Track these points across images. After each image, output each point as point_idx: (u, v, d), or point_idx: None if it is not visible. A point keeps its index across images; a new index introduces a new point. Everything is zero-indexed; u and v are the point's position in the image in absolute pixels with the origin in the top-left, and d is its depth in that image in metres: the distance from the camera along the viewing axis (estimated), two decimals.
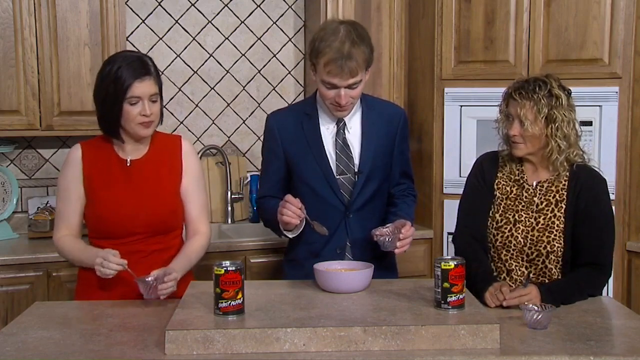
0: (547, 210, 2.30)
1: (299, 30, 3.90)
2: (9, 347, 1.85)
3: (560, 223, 2.28)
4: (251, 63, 3.85)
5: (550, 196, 2.31)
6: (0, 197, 3.37)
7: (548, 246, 2.28)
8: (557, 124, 2.25)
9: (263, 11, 3.84)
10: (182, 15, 3.71)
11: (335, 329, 1.81)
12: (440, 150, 3.50)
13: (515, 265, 2.32)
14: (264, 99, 3.87)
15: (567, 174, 2.31)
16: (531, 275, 2.31)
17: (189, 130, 3.76)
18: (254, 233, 3.47)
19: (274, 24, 3.86)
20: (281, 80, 3.90)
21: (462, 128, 3.43)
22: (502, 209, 2.36)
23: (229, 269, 1.90)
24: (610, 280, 3.24)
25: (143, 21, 3.66)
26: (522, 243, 2.30)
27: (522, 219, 2.32)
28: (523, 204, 2.34)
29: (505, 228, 2.33)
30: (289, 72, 3.91)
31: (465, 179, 2.51)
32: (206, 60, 3.78)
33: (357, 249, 2.43)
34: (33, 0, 3.16)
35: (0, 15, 3.14)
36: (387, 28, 3.64)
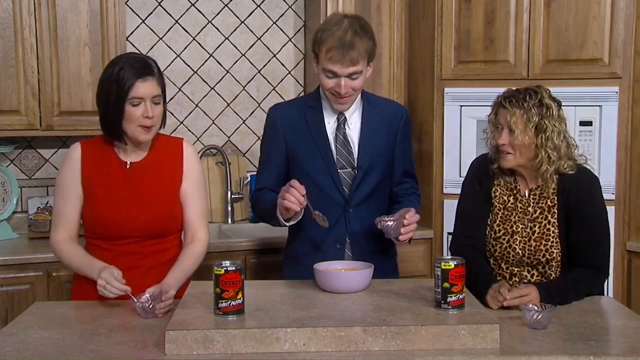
0: (541, 217, 2.29)
1: (299, 30, 3.90)
2: (9, 347, 1.85)
3: (555, 229, 2.28)
4: (251, 63, 3.85)
5: (542, 203, 2.30)
6: (0, 197, 3.37)
7: (547, 254, 2.27)
8: (547, 134, 2.22)
9: (263, 11, 3.84)
10: (182, 15, 3.72)
11: (335, 329, 1.81)
12: (440, 150, 3.50)
13: (518, 271, 2.32)
14: (264, 99, 3.87)
15: (556, 176, 2.29)
16: (532, 280, 2.30)
17: (189, 130, 3.76)
18: (254, 233, 3.47)
19: (274, 24, 3.86)
20: (281, 80, 3.90)
21: (462, 128, 3.43)
22: (499, 218, 2.35)
23: (229, 269, 1.90)
24: (610, 280, 3.24)
25: (143, 21, 3.66)
26: (521, 254, 2.30)
27: (519, 229, 2.31)
28: (519, 214, 2.33)
29: (503, 239, 2.32)
30: (289, 72, 3.91)
31: (462, 182, 2.49)
32: (206, 60, 3.78)
33: (356, 243, 2.42)
34: (33, 0, 3.16)
35: (0, 15, 3.14)
36: (387, 28, 3.65)
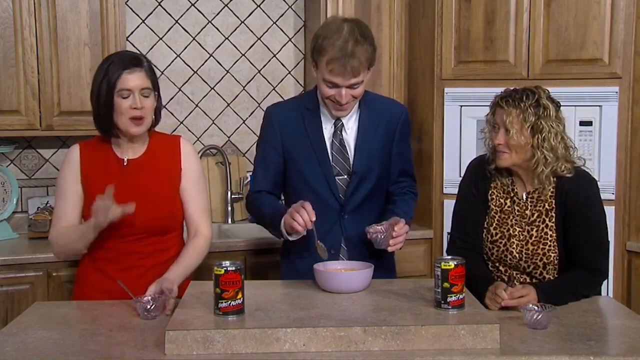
0: (539, 221, 2.29)
1: (299, 30, 3.90)
2: (9, 347, 1.85)
3: (552, 232, 2.27)
4: (251, 63, 3.85)
5: (540, 207, 2.29)
6: (0, 197, 3.37)
7: (544, 258, 2.27)
8: (543, 135, 2.21)
9: (263, 11, 3.84)
10: (182, 15, 3.72)
11: (335, 329, 1.81)
12: (440, 150, 3.50)
13: (516, 274, 2.32)
14: (264, 99, 3.86)
15: (554, 179, 2.28)
16: (533, 281, 2.29)
17: (189, 130, 3.76)
18: (254, 233, 3.47)
19: (274, 24, 3.86)
20: (281, 80, 3.90)
21: (462, 128, 3.43)
22: (496, 221, 2.34)
23: (229, 269, 1.90)
24: (610, 280, 3.24)
25: (143, 21, 3.66)
26: (518, 257, 2.30)
27: (516, 233, 2.30)
28: (516, 217, 2.32)
29: (500, 242, 2.32)
30: (289, 72, 3.91)
31: (459, 183, 2.49)
32: (206, 60, 3.78)
33: (351, 248, 2.42)
34: (33, 0, 3.16)
35: (0, 15, 3.14)
36: (387, 28, 3.65)
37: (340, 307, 2.01)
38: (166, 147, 2.39)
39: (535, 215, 2.29)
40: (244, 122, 3.87)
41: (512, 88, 2.31)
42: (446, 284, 1.95)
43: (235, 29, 3.81)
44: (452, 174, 3.46)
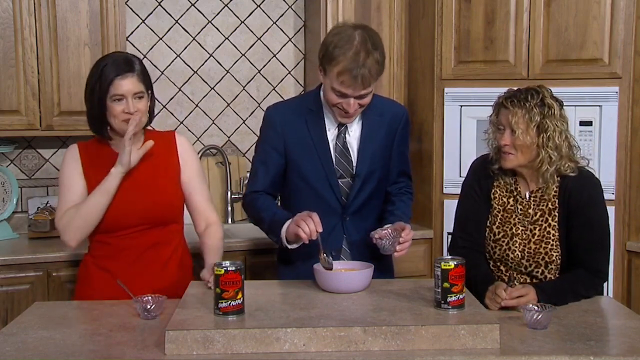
0: (542, 220, 2.29)
1: (299, 30, 3.90)
2: (9, 347, 1.85)
3: (555, 232, 2.27)
4: (251, 63, 3.85)
5: (543, 206, 2.29)
6: (0, 197, 3.37)
7: (546, 257, 2.27)
8: (548, 134, 2.21)
9: (263, 11, 3.84)
10: (182, 15, 3.72)
11: (335, 329, 1.81)
12: (440, 150, 3.50)
13: (517, 274, 2.31)
14: (264, 99, 3.87)
15: (558, 178, 2.28)
16: (533, 282, 2.29)
17: (189, 130, 3.76)
18: (254, 233, 3.45)
19: (274, 24, 3.86)
20: (281, 80, 3.90)
21: (462, 128, 3.43)
22: (499, 220, 2.34)
23: (229, 269, 1.90)
24: (610, 280, 3.24)
25: (143, 21, 3.66)
26: (520, 256, 2.29)
27: (519, 232, 2.30)
28: (519, 216, 2.32)
29: (503, 241, 2.32)
30: (289, 72, 3.91)
31: (462, 183, 2.49)
32: (206, 60, 3.78)
33: (354, 250, 2.42)
34: (33, 0, 3.16)
35: (0, 15, 3.14)
36: (387, 28, 3.64)
37: (340, 307, 2.01)
38: (161, 141, 2.41)
39: (538, 214, 2.29)
40: (244, 122, 3.87)
41: (515, 88, 2.31)
42: (446, 284, 1.95)
43: (235, 29, 3.81)
44: (452, 174, 3.46)
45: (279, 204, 2.56)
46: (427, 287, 2.14)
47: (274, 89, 3.89)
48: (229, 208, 3.72)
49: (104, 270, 2.33)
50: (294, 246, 2.27)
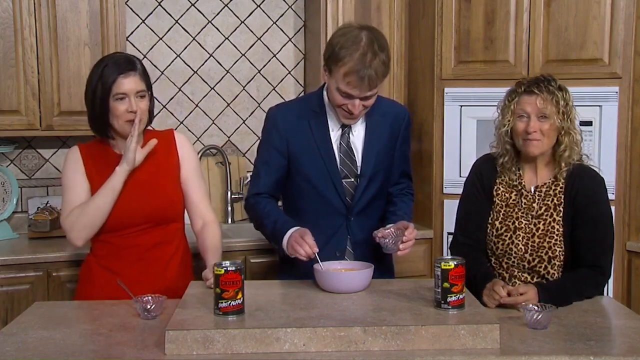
0: (546, 215, 2.29)
1: (299, 30, 3.90)
2: (9, 347, 1.85)
3: (559, 227, 2.27)
4: (251, 63, 3.85)
5: (548, 201, 2.30)
6: (0, 197, 3.37)
7: (549, 252, 2.27)
8: (571, 116, 2.25)
9: (263, 11, 3.84)
10: (182, 15, 3.72)
11: (335, 329, 1.81)
12: (440, 150, 3.50)
13: (518, 272, 2.31)
14: (264, 99, 3.87)
15: (565, 175, 2.30)
16: (535, 279, 2.29)
17: (189, 130, 3.76)
18: (254, 233, 3.43)
19: (274, 24, 3.86)
20: (281, 80, 3.90)
21: (462, 128, 3.43)
22: (501, 216, 2.34)
23: (229, 269, 1.90)
24: (610, 280, 3.23)
25: (143, 21, 3.66)
26: (523, 250, 2.29)
27: (522, 225, 2.31)
28: (522, 210, 2.32)
29: (506, 236, 2.32)
30: (289, 72, 3.91)
31: (464, 182, 2.49)
32: (206, 60, 3.78)
33: (358, 250, 2.42)
34: (33, 0, 3.16)
35: (0, 15, 3.14)
36: (387, 28, 3.64)
37: (340, 307, 2.01)
38: (161, 140, 2.42)
39: (543, 209, 2.30)
40: (244, 122, 3.87)
41: (528, 78, 2.33)
42: (446, 284, 1.95)
43: (235, 29, 3.81)
44: (452, 174, 3.46)
45: (280, 204, 2.55)
46: (427, 287, 2.13)
47: (274, 89, 3.89)
48: (229, 208, 3.72)
49: (107, 269, 2.34)
50: (294, 255, 2.28)
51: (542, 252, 2.27)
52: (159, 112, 3.68)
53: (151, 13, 3.67)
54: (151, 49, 3.67)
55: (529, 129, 2.24)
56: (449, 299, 1.95)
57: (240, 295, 1.91)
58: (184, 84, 3.75)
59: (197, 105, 3.79)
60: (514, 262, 2.32)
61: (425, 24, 3.55)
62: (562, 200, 2.29)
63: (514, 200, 2.34)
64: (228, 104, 3.83)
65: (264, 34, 3.85)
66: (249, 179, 3.73)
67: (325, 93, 2.40)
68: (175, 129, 3.66)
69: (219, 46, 3.79)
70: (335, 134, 2.40)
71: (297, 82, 3.92)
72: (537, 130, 2.24)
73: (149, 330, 1.97)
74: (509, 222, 2.33)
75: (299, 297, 2.12)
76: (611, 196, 3.22)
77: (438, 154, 3.50)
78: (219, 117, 3.83)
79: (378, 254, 2.35)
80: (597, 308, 2.20)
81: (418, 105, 3.64)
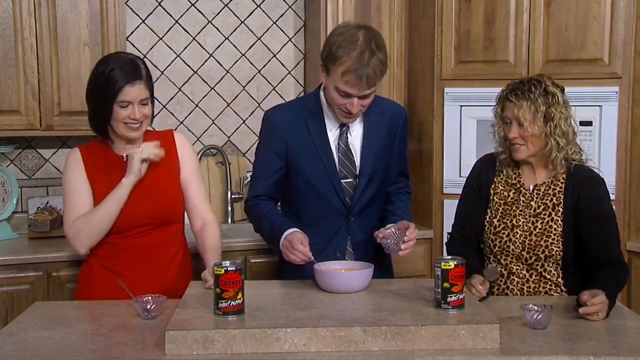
0: (545, 214, 2.30)
1: (299, 30, 3.90)
2: (9, 347, 1.85)
3: (558, 226, 2.28)
4: (251, 63, 3.85)
5: (547, 200, 2.30)
6: (0, 197, 3.36)
7: (546, 250, 2.27)
8: (555, 122, 2.24)
9: (263, 11, 3.84)
10: (182, 15, 3.72)
11: (335, 329, 1.81)
12: (440, 150, 3.50)
13: (516, 269, 2.32)
14: (264, 99, 3.87)
15: (564, 176, 2.31)
16: (533, 276, 2.31)
17: (189, 130, 3.76)
18: (254, 233, 3.43)
19: (274, 24, 3.86)
20: (281, 80, 3.90)
21: (462, 128, 3.43)
22: (499, 214, 2.35)
23: (229, 269, 1.90)
24: None
25: (143, 21, 3.66)
26: (521, 248, 2.30)
27: (520, 223, 2.31)
28: (520, 208, 2.33)
29: (503, 233, 2.33)
30: (289, 72, 3.91)
31: (465, 179, 2.50)
32: (206, 60, 3.78)
33: (358, 250, 2.42)
34: (33, 0, 3.16)
35: (0, 15, 3.14)
36: (387, 28, 3.64)
37: (340, 307, 2.01)
38: (161, 141, 2.42)
39: (542, 207, 2.30)
40: (244, 122, 3.87)
41: (517, 80, 2.33)
42: (446, 284, 1.95)
43: (235, 29, 3.81)
44: (452, 174, 3.46)
45: (279, 205, 2.55)
46: (427, 287, 2.13)
47: (274, 89, 3.89)
48: (229, 208, 3.72)
49: (108, 270, 2.34)
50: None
51: (538, 250, 2.28)
52: (159, 112, 3.68)
53: (151, 13, 3.67)
54: (151, 49, 3.67)
55: (509, 135, 2.27)
56: (449, 299, 1.95)
57: (240, 295, 1.91)
58: (184, 84, 3.75)
59: (197, 105, 3.79)
60: (511, 259, 2.33)
61: (425, 24, 3.55)
62: (562, 200, 2.29)
63: (512, 198, 2.35)
64: (228, 104, 3.83)
65: (264, 34, 3.85)
66: (249, 179, 3.75)
67: (322, 93, 2.40)
68: (175, 129, 3.69)
69: (219, 46, 3.79)
70: (333, 134, 2.40)
71: (297, 82, 3.92)
72: (517, 136, 2.26)
73: (149, 330, 1.97)
74: (507, 219, 2.33)
75: (299, 297, 2.12)
76: (611, 196, 3.22)
77: (438, 154, 3.50)
78: (219, 117, 3.83)
79: (379, 253, 2.36)
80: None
81: (418, 105, 3.64)
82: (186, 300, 2.06)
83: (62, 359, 1.78)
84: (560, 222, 2.28)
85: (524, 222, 2.31)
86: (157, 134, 2.48)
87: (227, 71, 3.81)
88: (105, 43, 3.26)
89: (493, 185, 2.39)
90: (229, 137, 3.85)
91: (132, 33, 3.63)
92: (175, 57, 3.72)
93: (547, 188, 2.32)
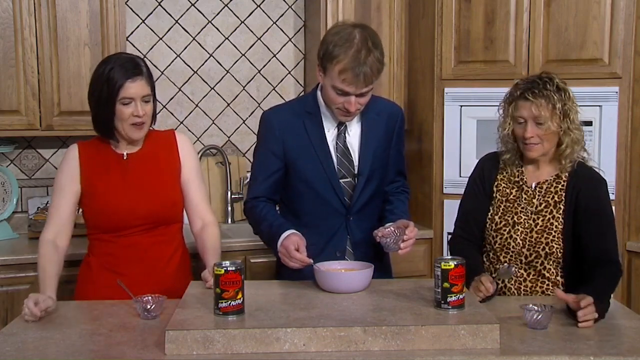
0: (546, 212, 2.30)
1: (299, 30, 3.90)
2: (9, 347, 1.85)
3: (559, 224, 2.28)
4: (251, 63, 3.85)
5: (549, 197, 2.31)
6: (0, 197, 3.37)
7: (547, 248, 2.27)
8: (571, 117, 2.24)
9: (263, 11, 3.84)
10: (182, 15, 3.72)
11: (335, 329, 1.81)
12: (440, 150, 3.50)
13: (515, 268, 2.32)
14: (264, 99, 3.87)
15: (567, 174, 2.31)
16: (530, 276, 2.31)
17: (189, 130, 3.76)
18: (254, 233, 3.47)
19: (274, 24, 3.86)
20: (281, 80, 3.90)
21: (462, 128, 3.43)
22: (501, 211, 2.35)
23: (229, 269, 1.90)
24: None
25: (143, 21, 3.66)
26: (521, 245, 2.30)
27: (521, 220, 2.32)
28: (522, 205, 2.33)
29: (504, 230, 2.33)
30: (289, 72, 3.91)
31: (467, 179, 2.50)
32: (206, 60, 3.78)
33: (358, 250, 2.42)
34: (33, 0, 3.16)
35: (0, 15, 3.14)
36: (387, 28, 3.64)
37: (340, 307, 2.01)
38: (162, 140, 2.43)
39: (543, 205, 2.30)
40: (244, 122, 3.87)
41: (525, 79, 2.32)
42: (446, 284, 1.95)
43: (235, 29, 3.81)
44: (452, 174, 3.46)
45: (280, 218, 2.54)
46: (427, 287, 2.13)
47: (274, 89, 3.89)
48: (229, 208, 3.72)
49: (107, 269, 2.34)
50: None
51: (539, 248, 2.28)
52: (159, 112, 3.67)
53: (151, 13, 3.67)
54: (151, 49, 3.67)
55: (526, 134, 2.25)
56: (449, 299, 1.95)
57: (240, 295, 1.91)
58: (184, 84, 3.75)
59: (197, 105, 3.79)
60: (511, 256, 2.32)
61: (425, 24, 3.56)
62: (563, 198, 2.29)
63: (514, 195, 2.35)
64: (228, 104, 3.83)
65: (264, 34, 3.85)
66: (248, 179, 3.75)
67: (319, 93, 2.40)
68: (176, 129, 3.70)
69: (219, 46, 3.79)
70: (331, 134, 2.40)
71: (297, 82, 3.92)
72: (534, 136, 2.25)
73: (149, 330, 1.97)
74: (509, 217, 2.33)
75: (299, 297, 2.12)
76: (611, 196, 3.21)
77: (438, 154, 3.50)
78: (219, 117, 3.83)
79: (378, 253, 2.36)
80: None
81: (418, 105, 3.64)
82: (186, 300, 2.06)
83: (62, 359, 1.78)
84: (561, 219, 2.28)
85: (525, 219, 2.31)
86: (158, 133, 2.48)
87: (227, 71, 3.81)
88: (105, 43, 3.26)
89: (496, 183, 2.39)
90: (229, 137, 3.86)
91: (132, 33, 3.63)
92: (175, 57, 3.72)
93: (549, 186, 2.32)
